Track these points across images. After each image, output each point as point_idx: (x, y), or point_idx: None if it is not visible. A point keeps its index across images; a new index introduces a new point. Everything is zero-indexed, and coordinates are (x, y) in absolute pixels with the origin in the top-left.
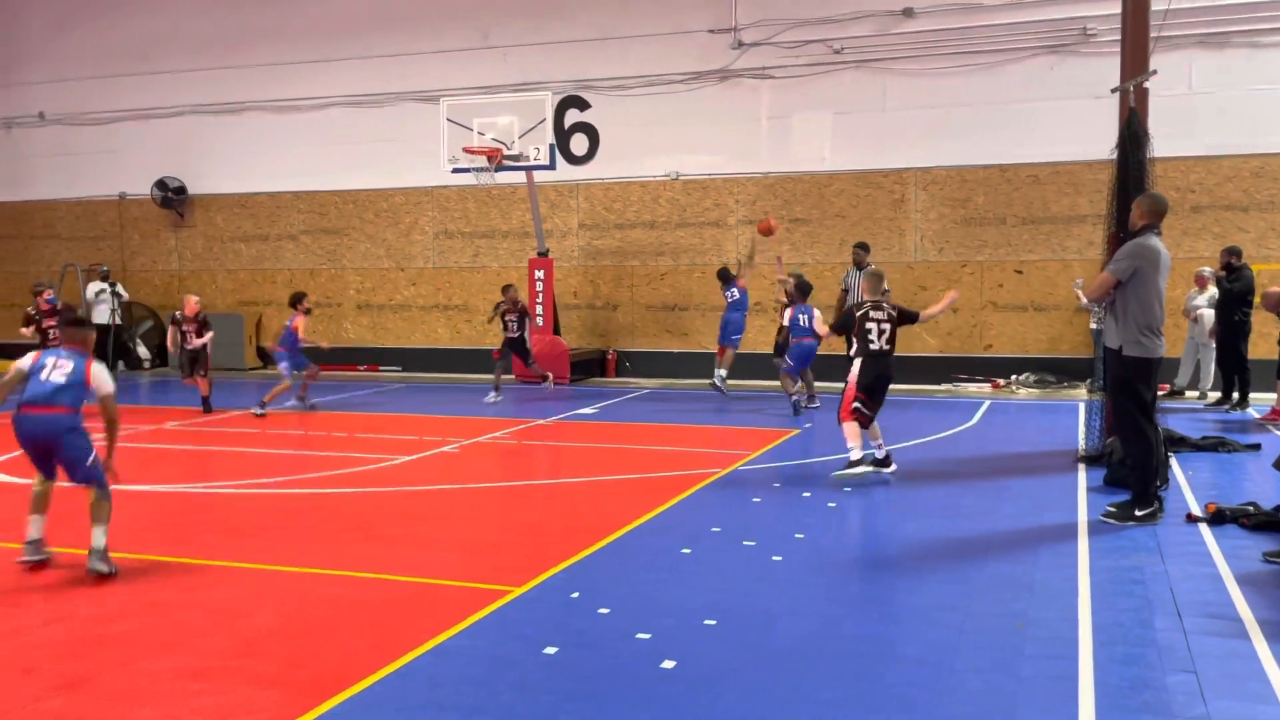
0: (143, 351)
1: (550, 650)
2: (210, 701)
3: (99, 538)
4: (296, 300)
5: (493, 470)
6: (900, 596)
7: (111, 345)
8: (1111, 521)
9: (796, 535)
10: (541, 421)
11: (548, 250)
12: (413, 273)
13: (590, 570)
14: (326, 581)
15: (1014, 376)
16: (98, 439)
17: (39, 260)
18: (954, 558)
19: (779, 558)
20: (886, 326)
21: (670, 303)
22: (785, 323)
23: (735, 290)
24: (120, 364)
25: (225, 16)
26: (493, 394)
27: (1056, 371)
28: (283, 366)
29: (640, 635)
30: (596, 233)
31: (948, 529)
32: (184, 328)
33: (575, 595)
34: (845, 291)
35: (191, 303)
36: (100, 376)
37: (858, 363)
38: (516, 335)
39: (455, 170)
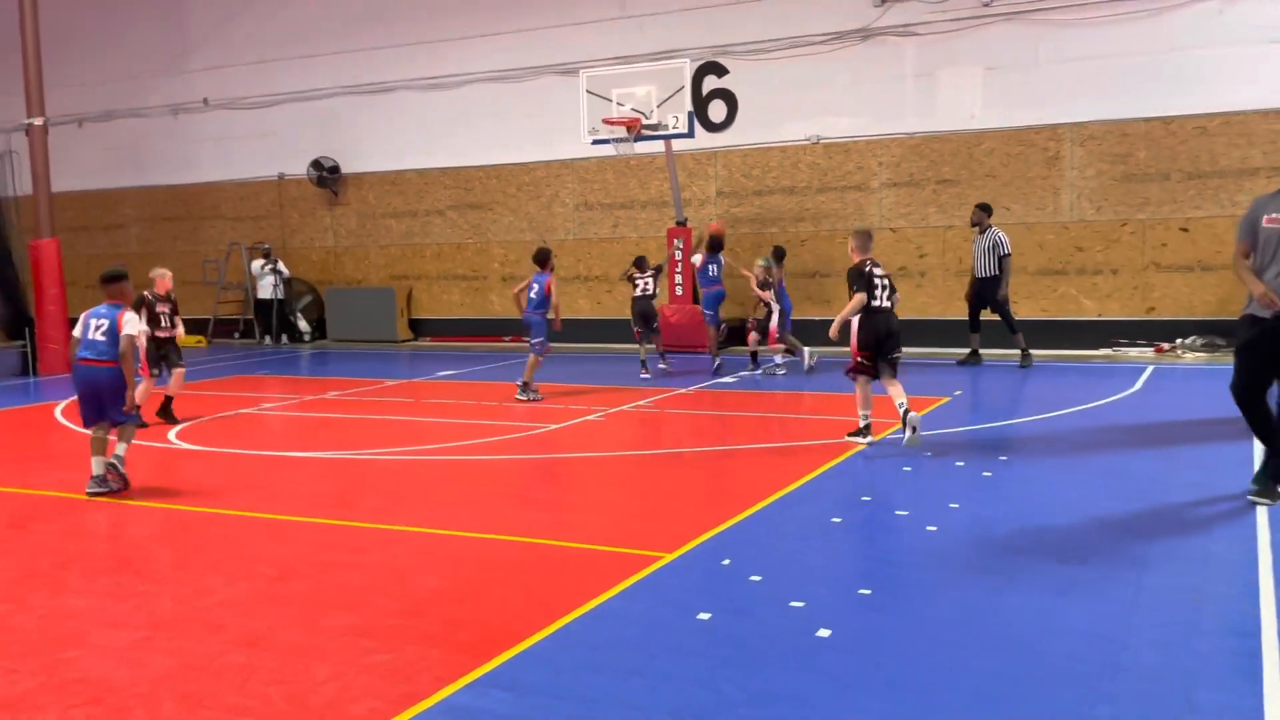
0: (303, 325)
1: (704, 616)
2: (381, 658)
3: (120, 448)
4: (546, 257)
5: (638, 438)
6: (1064, 569)
7: (275, 319)
8: (1263, 501)
9: (951, 505)
10: (683, 390)
11: (686, 219)
12: (554, 244)
13: (740, 537)
14: (485, 545)
15: (1179, 340)
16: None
17: (206, 240)
18: (1120, 529)
19: (934, 528)
20: (887, 282)
21: (811, 269)
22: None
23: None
24: (284, 337)
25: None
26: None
27: (1226, 334)
28: (536, 342)
29: (794, 603)
30: (735, 200)
31: (1113, 499)
32: (157, 309)
33: (726, 562)
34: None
35: (165, 279)
36: (127, 320)
37: (857, 320)
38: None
39: (595, 141)
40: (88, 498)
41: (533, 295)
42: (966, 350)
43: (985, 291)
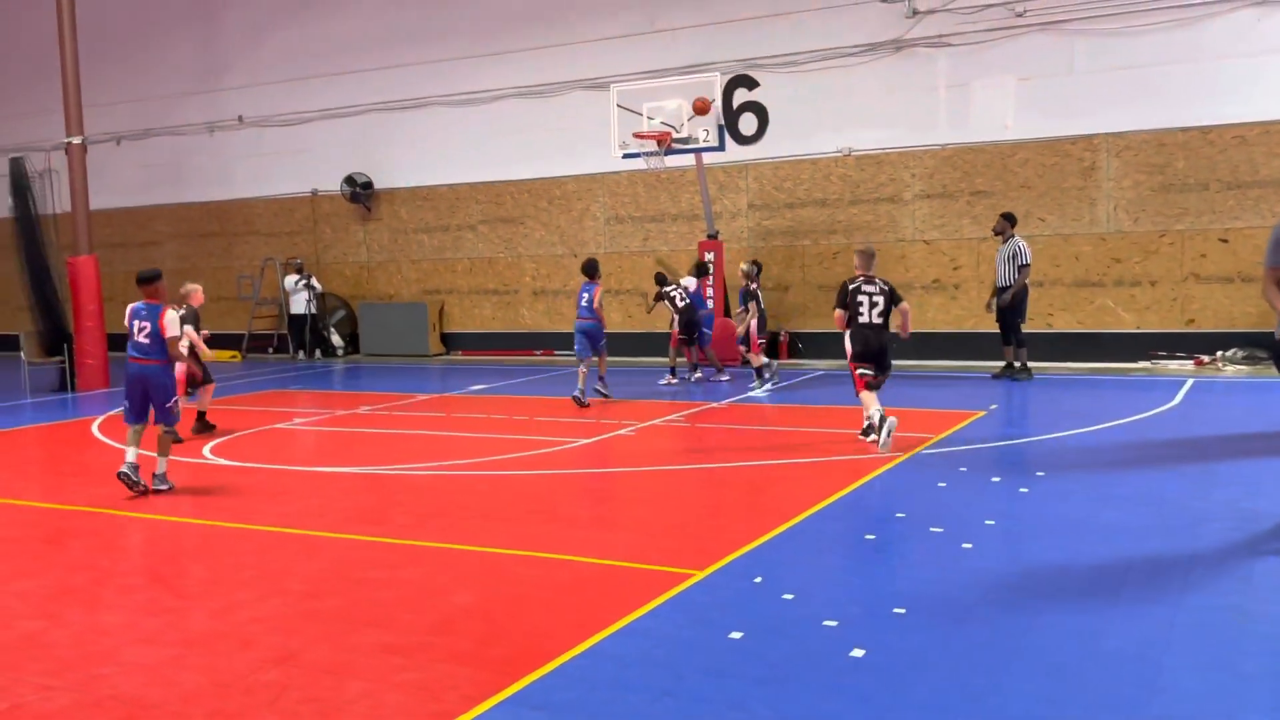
0: (336, 340)
1: (736, 635)
2: (411, 676)
3: (161, 464)
4: (594, 268)
5: (668, 453)
6: (1102, 588)
7: (308, 333)
8: None
9: (987, 522)
10: (714, 404)
11: (718, 233)
12: (585, 257)
13: (772, 555)
14: (515, 561)
15: (1219, 353)
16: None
17: (241, 256)
18: (1160, 547)
19: (969, 545)
20: (879, 300)
21: (843, 282)
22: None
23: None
24: (317, 352)
25: (402, 16)
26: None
27: (1268, 347)
28: (600, 345)
29: (827, 622)
30: (766, 213)
31: (1151, 517)
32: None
33: (758, 580)
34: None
35: (199, 293)
36: (169, 323)
37: (848, 334)
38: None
39: (626, 155)
40: (120, 483)
41: (583, 303)
42: (1001, 364)
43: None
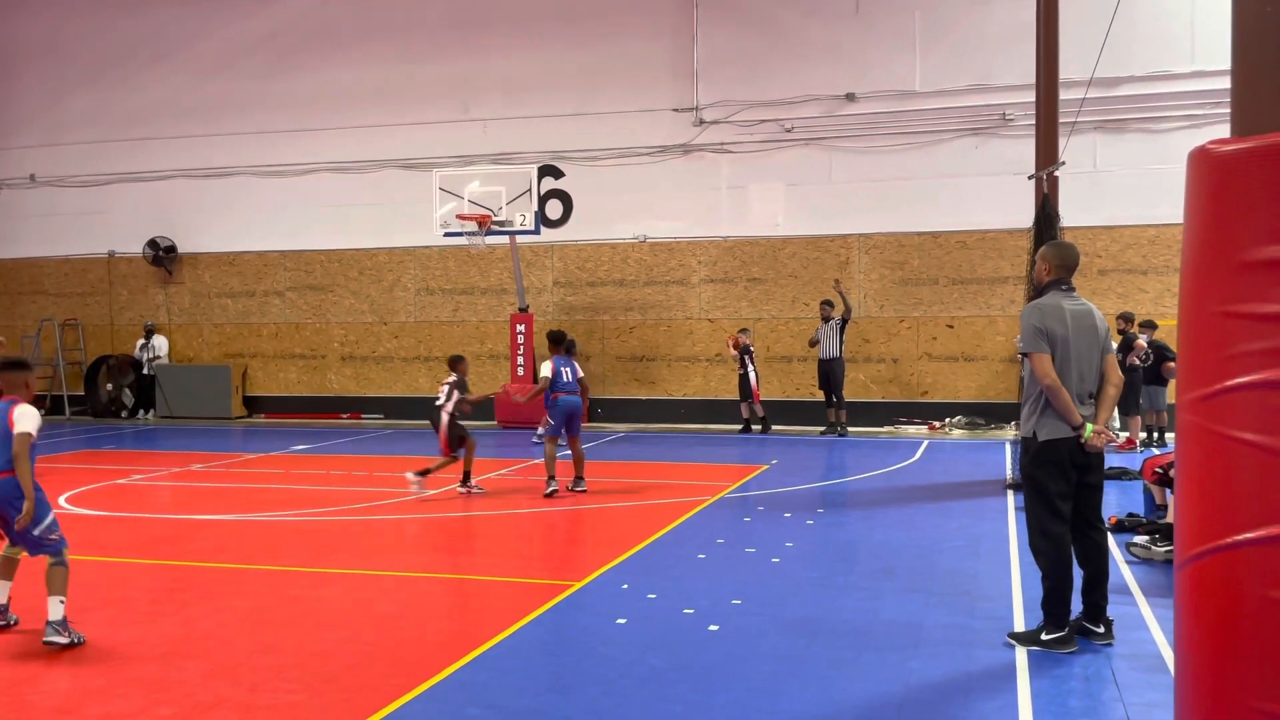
0: (127, 399)
1: (621, 620)
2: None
3: (54, 609)
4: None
5: (520, 500)
6: (878, 584)
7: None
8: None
9: (787, 544)
10: (537, 461)
11: (528, 306)
12: (395, 326)
13: (630, 570)
14: (410, 584)
15: (947, 419)
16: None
17: (25, 315)
18: (914, 559)
19: (777, 560)
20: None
21: (638, 354)
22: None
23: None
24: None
25: (216, 88)
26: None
27: (985, 415)
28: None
29: (686, 610)
30: (570, 290)
31: (906, 537)
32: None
33: (625, 586)
34: (815, 344)
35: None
36: (21, 416)
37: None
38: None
39: (447, 235)
40: None
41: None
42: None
43: (832, 370)
